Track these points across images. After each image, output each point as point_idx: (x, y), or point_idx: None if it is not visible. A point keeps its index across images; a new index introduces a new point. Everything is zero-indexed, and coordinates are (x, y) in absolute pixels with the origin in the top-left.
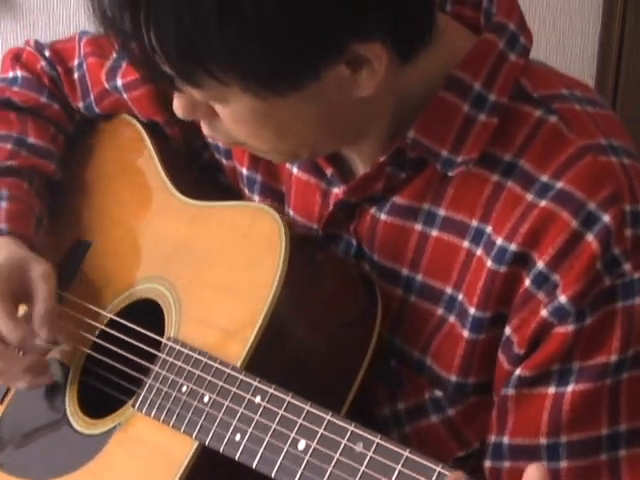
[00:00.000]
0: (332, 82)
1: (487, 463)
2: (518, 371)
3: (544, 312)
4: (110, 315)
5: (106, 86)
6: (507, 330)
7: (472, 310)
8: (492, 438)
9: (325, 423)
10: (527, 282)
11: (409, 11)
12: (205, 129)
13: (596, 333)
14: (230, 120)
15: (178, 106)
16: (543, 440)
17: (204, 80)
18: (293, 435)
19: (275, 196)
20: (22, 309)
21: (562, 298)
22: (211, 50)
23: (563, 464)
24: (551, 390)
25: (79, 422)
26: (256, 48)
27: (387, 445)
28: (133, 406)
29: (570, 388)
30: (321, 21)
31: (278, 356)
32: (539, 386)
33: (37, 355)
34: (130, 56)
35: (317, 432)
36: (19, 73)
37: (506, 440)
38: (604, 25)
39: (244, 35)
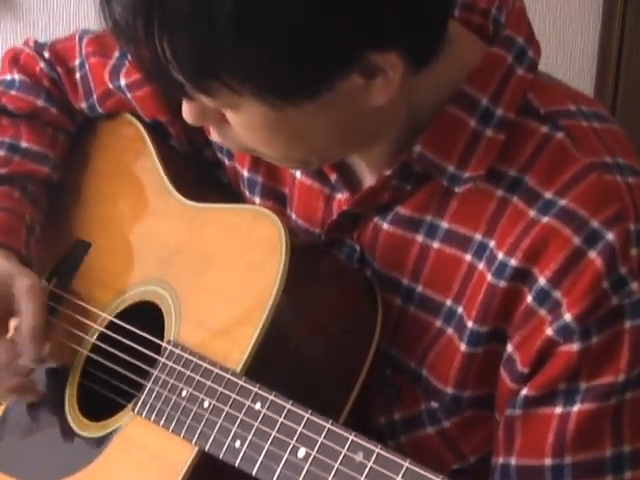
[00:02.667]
0: (346, 91)
1: None
2: (524, 391)
3: (549, 331)
4: (109, 317)
5: (110, 86)
6: (508, 347)
7: (470, 324)
8: (500, 460)
9: (325, 432)
10: (529, 299)
11: (426, 21)
12: (215, 135)
13: (603, 353)
14: (241, 127)
15: (188, 112)
16: (548, 461)
17: (217, 89)
18: (293, 443)
19: (277, 198)
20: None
21: (567, 316)
22: (227, 62)
23: None
24: (557, 410)
25: (79, 424)
26: (273, 60)
27: (387, 455)
28: (133, 410)
29: (576, 408)
30: (339, 33)
31: (278, 361)
32: (545, 406)
33: (22, 377)
34: (141, 64)
35: (317, 440)
36: (16, 76)
37: (513, 461)
38: (604, 25)
39: (261, 47)
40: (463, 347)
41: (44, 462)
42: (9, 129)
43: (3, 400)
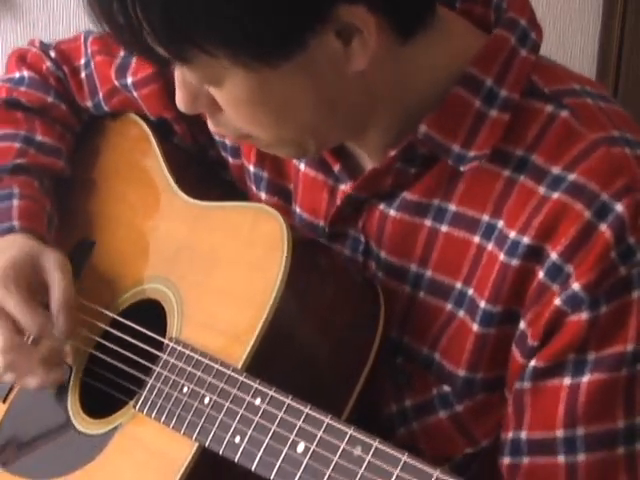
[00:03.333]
0: (323, 53)
1: (505, 460)
2: (532, 362)
3: (557, 301)
4: (113, 315)
5: (116, 84)
6: (522, 324)
7: (482, 303)
8: (509, 434)
9: (324, 426)
10: (541, 274)
11: None
12: (210, 125)
13: (612, 323)
14: (228, 105)
15: (180, 99)
16: (560, 433)
17: (194, 55)
18: (292, 437)
19: (282, 193)
20: None
21: (575, 286)
22: (196, 20)
23: (581, 457)
24: (566, 381)
25: (81, 422)
26: (238, 14)
27: (385, 449)
28: (134, 407)
29: (586, 379)
30: None
31: (279, 359)
32: (554, 377)
33: (53, 346)
34: (122, 39)
35: (316, 435)
36: (25, 73)
37: (524, 435)
38: (604, 25)
39: (228, 4)
40: (476, 328)
41: (46, 459)
42: (23, 123)
43: (26, 379)
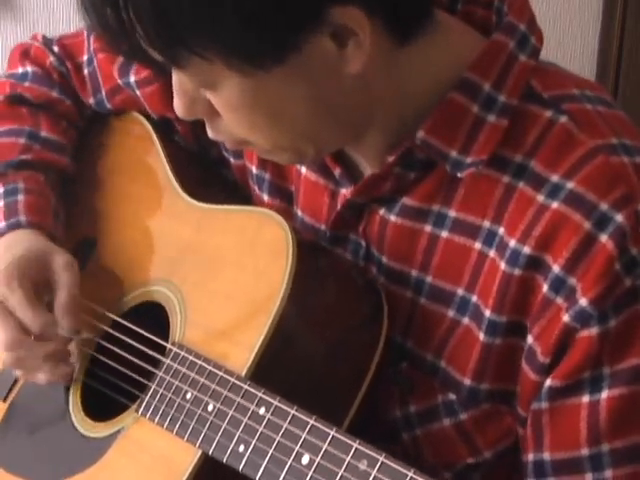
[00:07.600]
0: (317, 56)
1: None
2: (548, 382)
3: (566, 317)
4: (114, 317)
5: (119, 82)
6: (529, 339)
7: (488, 313)
8: (530, 456)
9: (329, 438)
10: (545, 288)
11: None
12: (209, 131)
13: (622, 335)
14: (225, 109)
15: (178, 105)
16: (585, 451)
17: (188, 60)
18: (297, 449)
19: (284, 195)
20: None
21: (583, 301)
22: (186, 22)
23: (608, 473)
24: (585, 399)
25: (83, 424)
26: (229, 17)
27: (391, 464)
28: (137, 411)
29: (605, 395)
30: None
31: (283, 365)
32: (572, 396)
33: (58, 343)
34: (117, 45)
35: (321, 447)
36: (29, 68)
37: (547, 456)
38: (604, 25)
39: (217, 4)
40: (482, 337)
41: (48, 461)
42: (28, 118)
43: (34, 374)
